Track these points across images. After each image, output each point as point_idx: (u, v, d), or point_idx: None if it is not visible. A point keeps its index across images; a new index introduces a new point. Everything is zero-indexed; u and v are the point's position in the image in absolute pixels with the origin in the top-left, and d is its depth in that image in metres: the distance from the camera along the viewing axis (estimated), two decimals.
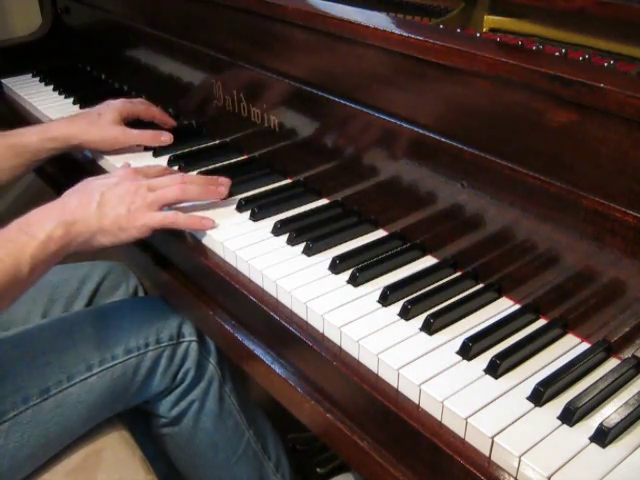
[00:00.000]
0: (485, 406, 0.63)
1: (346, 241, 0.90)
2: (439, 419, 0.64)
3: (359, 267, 0.82)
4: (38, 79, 1.58)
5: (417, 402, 0.66)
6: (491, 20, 0.96)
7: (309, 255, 0.87)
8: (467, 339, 0.70)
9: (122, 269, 1.24)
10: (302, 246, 0.88)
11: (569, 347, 0.72)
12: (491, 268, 0.80)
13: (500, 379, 0.67)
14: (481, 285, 0.81)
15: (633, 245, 0.65)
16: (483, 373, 0.68)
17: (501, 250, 0.78)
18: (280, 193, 1.02)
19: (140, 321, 1.02)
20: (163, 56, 1.30)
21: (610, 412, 0.62)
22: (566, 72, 0.65)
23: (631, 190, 0.64)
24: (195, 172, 1.08)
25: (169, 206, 0.94)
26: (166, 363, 1.01)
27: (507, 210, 0.75)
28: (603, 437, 0.60)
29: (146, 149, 1.18)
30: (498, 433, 0.60)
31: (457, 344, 0.71)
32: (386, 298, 0.77)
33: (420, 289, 0.80)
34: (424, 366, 0.68)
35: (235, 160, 1.14)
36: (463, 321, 0.75)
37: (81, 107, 1.39)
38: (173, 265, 0.99)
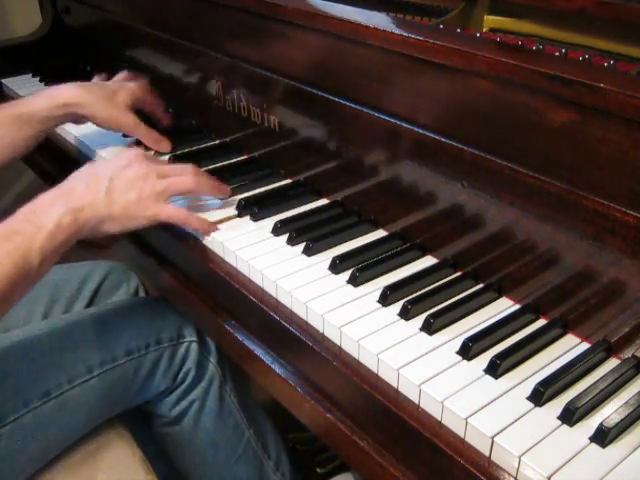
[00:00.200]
0: (485, 406, 0.63)
1: (346, 241, 0.90)
2: (439, 419, 0.64)
3: (359, 267, 0.82)
4: (38, 79, 1.57)
5: (417, 402, 0.66)
6: (491, 20, 0.96)
7: (309, 255, 0.87)
8: (467, 339, 0.70)
9: (123, 269, 1.23)
10: (302, 246, 0.88)
11: (569, 347, 0.72)
12: (491, 268, 0.80)
13: (500, 379, 0.67)
14: (481, 285, 0.81)
15: (633, 245, 0.65)
16: (483, 373, 0.68)
17: (501, 250, 0.78)
18: (280, 193, 1.03)
19: (140, 322, 1.02)
20: (163, 56, 1.30)
21: (610, 412, 0.62)
22: (566, 72, 0.65)
23: (631, 190, 0.64)
24: None
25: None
26: (166, 363, 1.01)
27: (507, 210, 0.75)
28: (603, 437, 0.60)
29: (147, 148, 1.17)
30: (498, 433, 0.60)
31: (457, 344, 0.71)
32: (386, 298, 0.77)
33: (420, 289, 0.80)
34: (424, 366, 0.68)
35: (235, 160, 1.14)
36: (463, 321, 0.75)
37: None
38: (173, 265, 0.99)
